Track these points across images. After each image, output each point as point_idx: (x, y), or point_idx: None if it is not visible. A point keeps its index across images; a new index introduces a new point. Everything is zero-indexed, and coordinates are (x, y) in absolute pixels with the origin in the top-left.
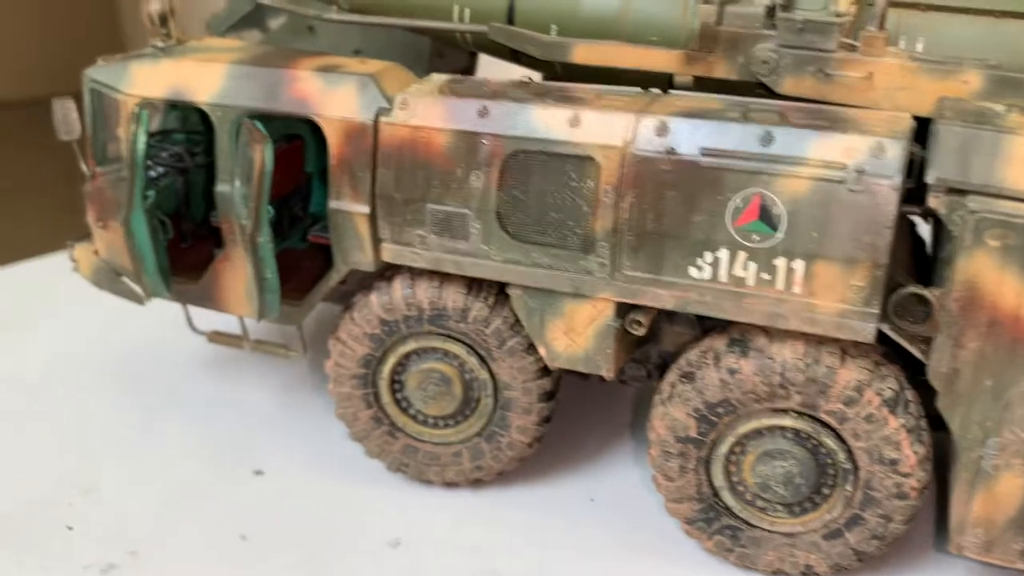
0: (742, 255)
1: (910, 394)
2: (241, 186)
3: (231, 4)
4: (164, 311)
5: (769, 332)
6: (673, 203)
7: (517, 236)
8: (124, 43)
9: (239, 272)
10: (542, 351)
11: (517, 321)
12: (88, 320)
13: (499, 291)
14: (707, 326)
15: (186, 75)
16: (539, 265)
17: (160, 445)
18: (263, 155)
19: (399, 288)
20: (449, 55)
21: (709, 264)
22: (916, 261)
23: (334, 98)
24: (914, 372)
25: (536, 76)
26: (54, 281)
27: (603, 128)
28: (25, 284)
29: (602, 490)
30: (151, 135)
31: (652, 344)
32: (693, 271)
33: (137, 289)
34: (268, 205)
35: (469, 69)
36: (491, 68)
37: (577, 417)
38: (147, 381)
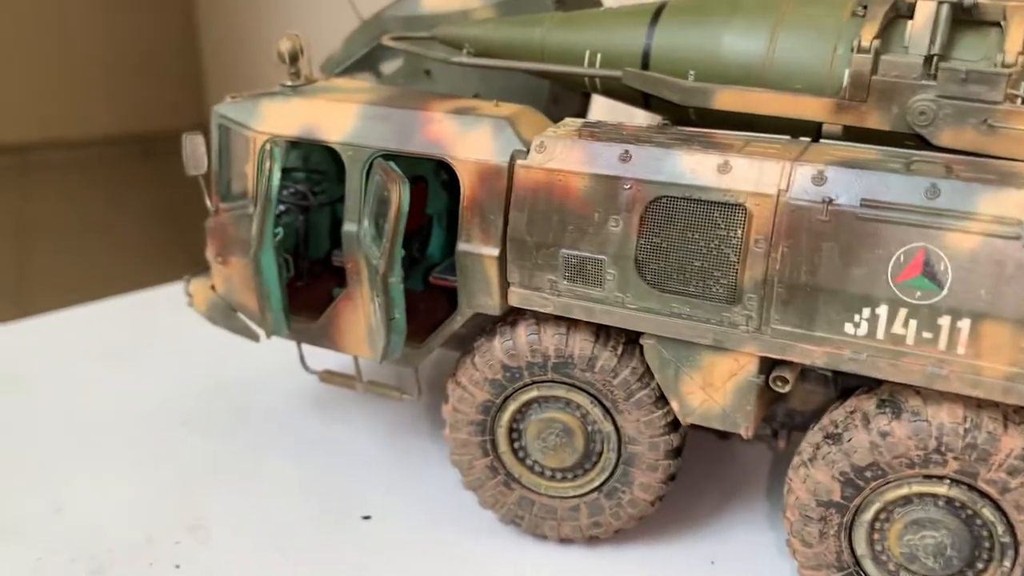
0: (903, 312)
1: None
2: (369, 226)
3: (347, 46)
4: (272, 348)
5: (922, 393)
6: (829, 255)
7: (656, 284)
8: (206, 101)
9: (361, 312)
10: (675, 405)
11: (646, 372)
12: (196, 355)
13: (627, 340)
14: (842, 385)
15: (318, 114)
16: (678, 315)
17: (268, 484)
18: (400, 195)
19: (524, 333)
20: (564, 100)
21: (866, 320)
22: None
23: (469, 140)
24: None
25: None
26: (162, 313)
27: (755, 175)
28: (134, 316)
29: (723, 552)
30: None
31: (779, 401)
32: (848, 327)
33: (253, 326)
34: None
35: (581, 114)
36: (599, 113)
37: (693, 473)
38: (255, 418)
